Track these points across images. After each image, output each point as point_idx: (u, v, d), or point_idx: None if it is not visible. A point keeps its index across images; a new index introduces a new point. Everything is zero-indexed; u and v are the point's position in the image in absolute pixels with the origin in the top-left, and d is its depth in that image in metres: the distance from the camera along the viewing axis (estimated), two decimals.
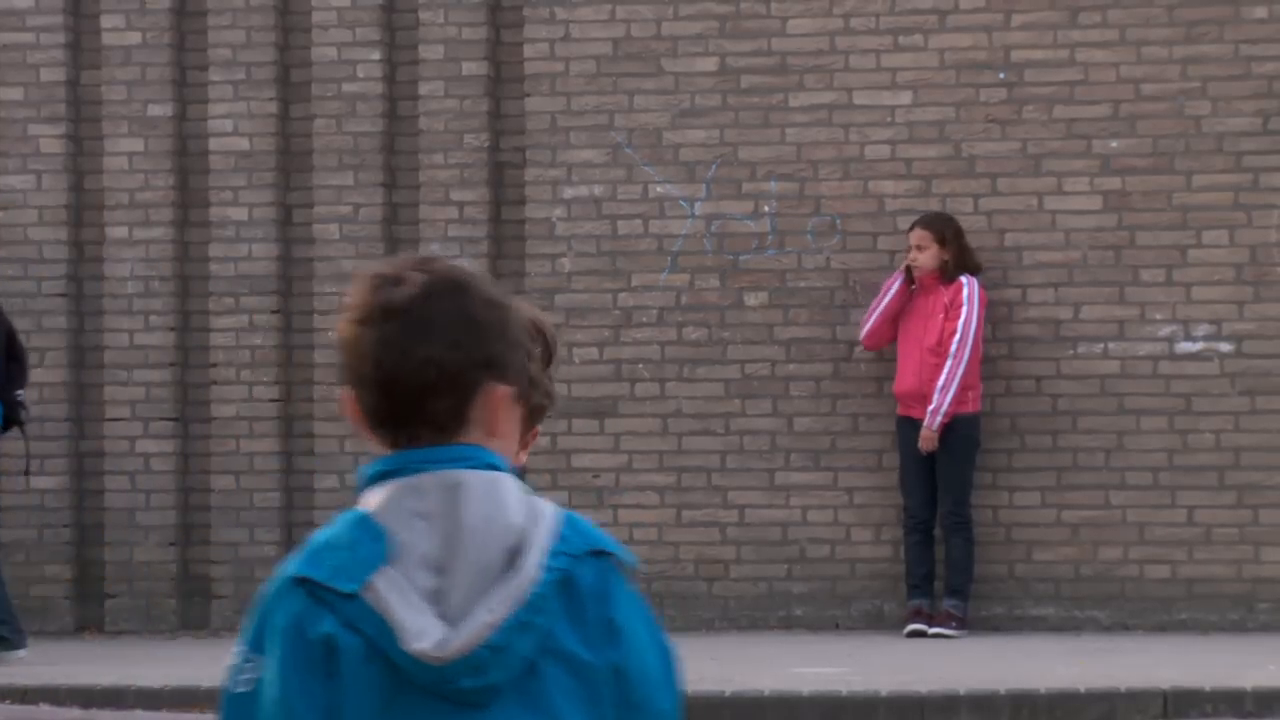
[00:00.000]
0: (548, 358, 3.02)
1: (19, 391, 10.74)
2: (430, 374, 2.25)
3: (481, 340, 2.30)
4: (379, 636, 2.21)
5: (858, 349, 10.46)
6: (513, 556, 2.26)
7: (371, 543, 2.27)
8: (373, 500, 2.27)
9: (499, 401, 2.31)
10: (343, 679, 2.28)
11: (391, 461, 2.29)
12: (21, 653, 10.41)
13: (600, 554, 2.30)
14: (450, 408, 2.29)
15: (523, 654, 2.25)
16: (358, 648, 2.26)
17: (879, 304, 10.27)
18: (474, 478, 2.25)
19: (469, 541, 2.28)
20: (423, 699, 2.30)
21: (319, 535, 2.34)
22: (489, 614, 2.22)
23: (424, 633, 2.21)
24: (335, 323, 2.31)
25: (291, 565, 2.32)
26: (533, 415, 2.80)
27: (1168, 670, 8.99)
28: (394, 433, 2.31)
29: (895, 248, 10.40)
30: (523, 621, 2.24)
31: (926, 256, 9.95)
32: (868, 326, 10.27)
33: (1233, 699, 8.53)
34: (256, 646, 2.28)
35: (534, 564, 2.24)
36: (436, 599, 2.25)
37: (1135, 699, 8.53)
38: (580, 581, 2.28)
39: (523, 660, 2.26)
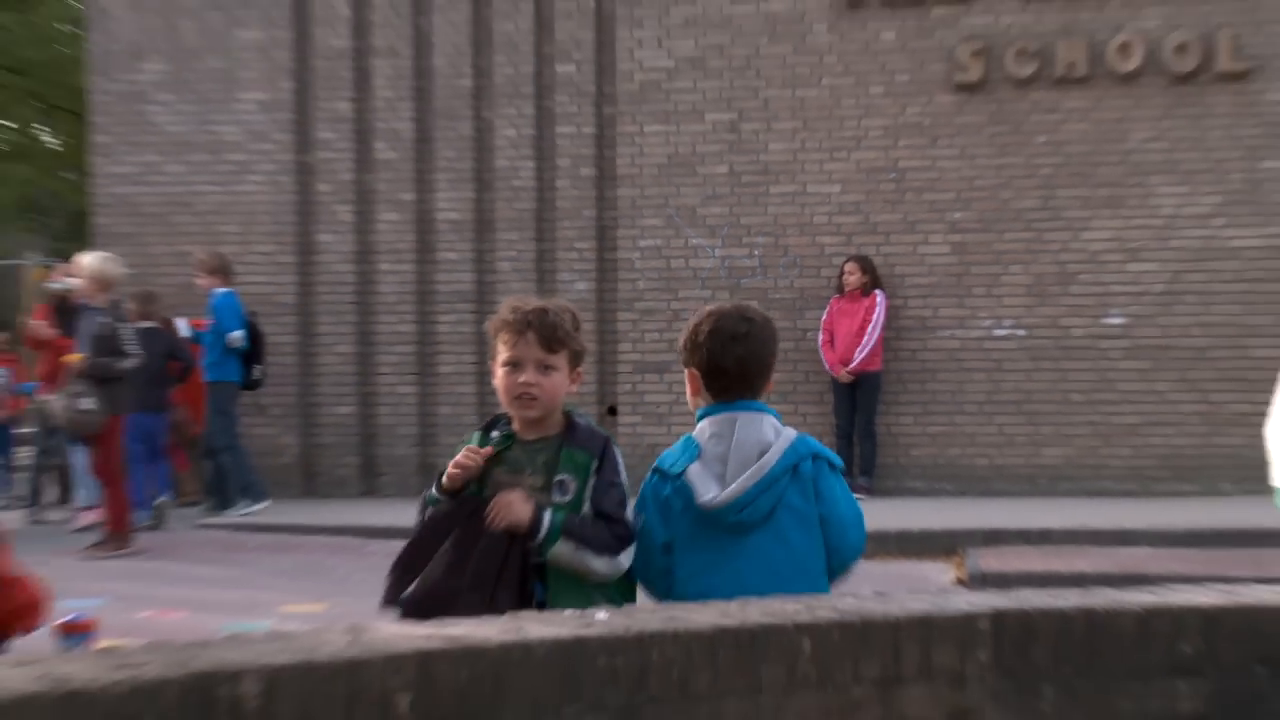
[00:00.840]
0: (577, 327, 3.21)
1: (257, 366, 11.30)
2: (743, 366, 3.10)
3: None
4: (690, 496, 3.07)
5: (810, 333, 11.65)
6: (762, 454, 3.11)
7: (691, 450, 3.15)
8: (701, 427, 3.21)
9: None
10: (673, 518, 3.11)
11: (709, 409, 3.21)
12: (266, 503, 11.00)
13: (817, 457, 3.14)
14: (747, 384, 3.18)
15: (765, 506, 3.05)
16: (680, 503, 3.08)
17: (829, 315, 11.44)
18: (742, 415, 3.15)
19: (736, 448, 3.12)
20: (713, 530, 3.11)
21: (671, 449, 3.15)
22: (739, 484, 3.07)
23: (708, 493, 3.08)
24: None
25: (657, 462, 3.17)
26: (575, 360, 3.17)
27: (988, 517, 10.04)
28: (716, 394, 3.18)
29: (830, 275, 11.60)
30: (762, 488, 3.05)
31: (854, 279, 11.33)
32: (824, 320, 11.53)
33: (1024, 535, 9.50)
34: (640, 505, 3.16)
35: (771, 459, 3.08)
36: (721, 478, 3.11)
37: (969, 535, 9.52)
38: (802, 468, 3.12)
39: (766, 510, 3.05)
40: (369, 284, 12.23)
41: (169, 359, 10.95)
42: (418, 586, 3.03)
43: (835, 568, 3.24)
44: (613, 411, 12.13)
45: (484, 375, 12.03)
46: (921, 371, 11.69)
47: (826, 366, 11.63)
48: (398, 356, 12.28)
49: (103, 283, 9.48)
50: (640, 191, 11.98)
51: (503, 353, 3.19)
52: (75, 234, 25.90)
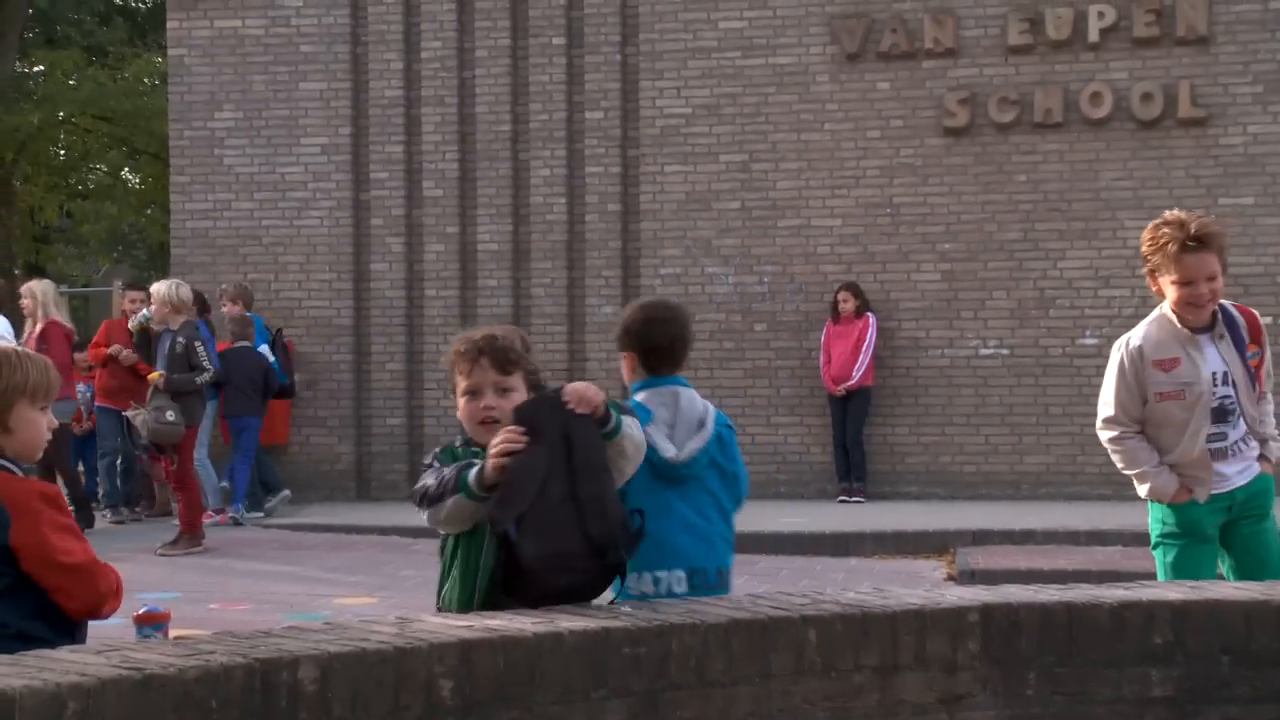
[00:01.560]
0: (527, 348, 3.17)
1: (294, 376, 11.55)
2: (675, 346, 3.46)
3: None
4: (649, 451, 3.20)
5: (813, 353, 11.68)
6: (701, 422, 3.49)
7: (644, 415, 3.34)
8: (641, 397, 3.51)
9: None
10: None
11: (646, 383, 3.53)
12: (286, 493, 11.16)
13: (729, 426, 3.64)
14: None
15: (704, 463, 3.45)
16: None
17: (826, 337, 11.52)
18: (682, 389, 3.52)
19: (682, 416, 3.47)
20: (662, 481, 3.39)
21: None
22: (692, 445, 3.47)
23: (668, 450, 3.41)
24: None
25: None
26: (531, 381, 3.13)
27: (975, 519, 10.06)
28: (651, 370, 3.52)
29: (830, 300, 11.59)
30: (706, 449, 3.46)
31: (848, 306, 11.38)
32: (822, 342, 11.58)
33: (1009, 535, 9.56)
34: None
35: (710, 427, 3.49)
36: (671, 439, 3.45)
37: (959, 535, 9.59)
38: (724, 435, 3.56)
39: (704, 465, 3.45)
40: (417, 308, 12.35)
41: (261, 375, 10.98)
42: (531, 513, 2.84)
43: (733, 509, 3.66)
44: None
45: None
46: (915, 387, 11.73)
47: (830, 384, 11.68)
48: (443, 373, 11.65)
49: (175, 306, 9.57)
50: (661, 225, 12.11)
51: (461, 383, 3.10)
52: (157, 264, 26.19)
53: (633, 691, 2.35)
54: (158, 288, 9.80)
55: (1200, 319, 4.31)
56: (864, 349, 11.46)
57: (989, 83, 11.68)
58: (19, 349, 3.00)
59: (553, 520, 2.72)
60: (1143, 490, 4.41)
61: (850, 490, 11.44)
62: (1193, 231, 4.19)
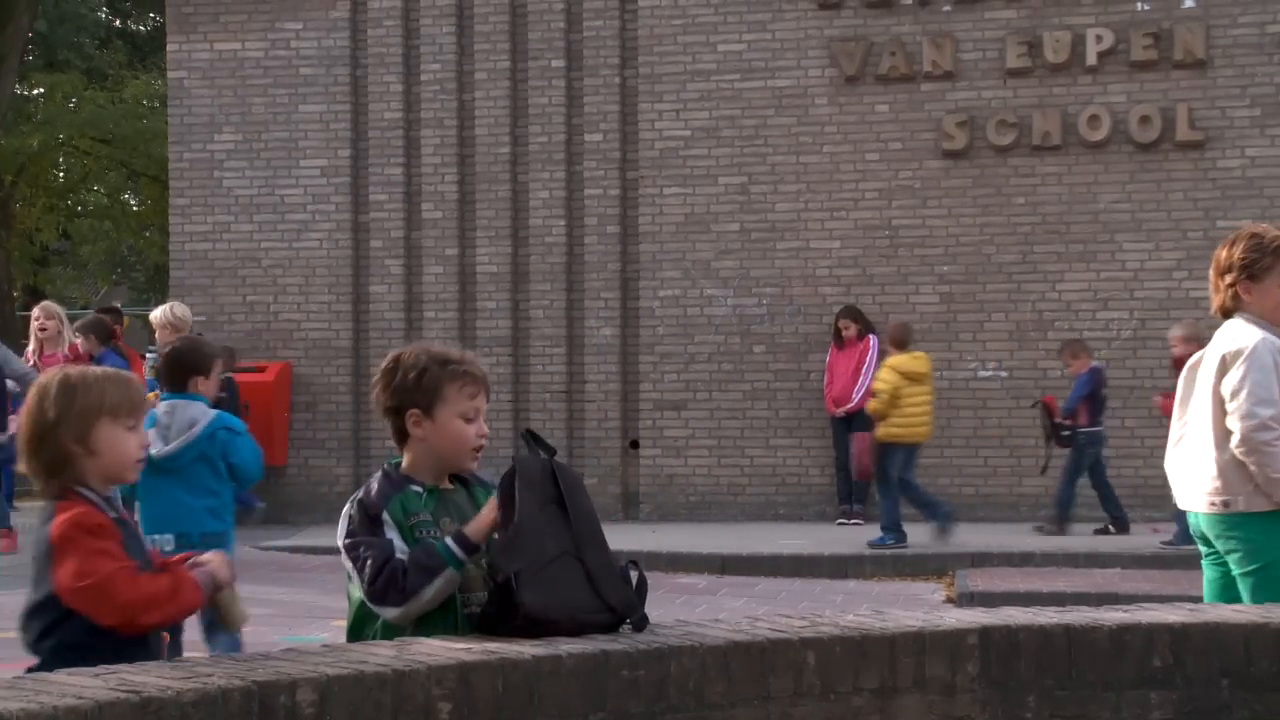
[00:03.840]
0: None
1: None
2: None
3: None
4: (151, 450, 4.41)
5: (814, 374, 11.78)
6: (193, 425, 5.02)
7: (150, 419, 4.60)
8: (160, 408, 4.99)
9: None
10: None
11: (165, 396, 5.06)
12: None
13: (229, 429, 5.01)
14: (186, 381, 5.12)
15: (191, 456, 4.93)
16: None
17: (830, 360, 11.64)
18: (179, 403, 5.02)
19: (176, 420, 5.02)
20: (157, 472, 4.72)
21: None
22: (177, 442, 4.99)
23: (156, 447, 4.84)
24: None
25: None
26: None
27: (975, 541, 10.13)
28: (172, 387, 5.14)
29: (829, 322, 11.71)
30: (191, 446, 4.97)
31: (850, 332, 11.46)
32: (826, 365, 11.66)
33: (1008, 557, 9.67)
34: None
35: (199, 427, 5.02)
36: (165, 438, 4.96)
37: (958, 557, 9.66)
38: (218, 434, 5.02)
39: (191, 458, 4.96)
40: (416, 330, 12.35)
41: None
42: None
43: (243, 483, 5.31)
44: (635, 445, 12.24)
45: (519, 411, 12.20)
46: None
47: (831, 406, 11.76)
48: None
49: (175, 327, 9.55)
50: (660, 247, 12.21)
51: (459, 403, 2.86)
52: (156, 287, 26.22)
53: (631, 714, 2.36)
54: (156, 315, 9.74)
55: None
56: (864, 370, 11.48)
57: (987, 105, 11.77)
58: (101, 368, 2.94)
59: (553, 572, 2.59)
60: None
61: (849, 513, 11.50)
62: None
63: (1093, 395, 10.67)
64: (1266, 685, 2.74)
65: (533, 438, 2.77)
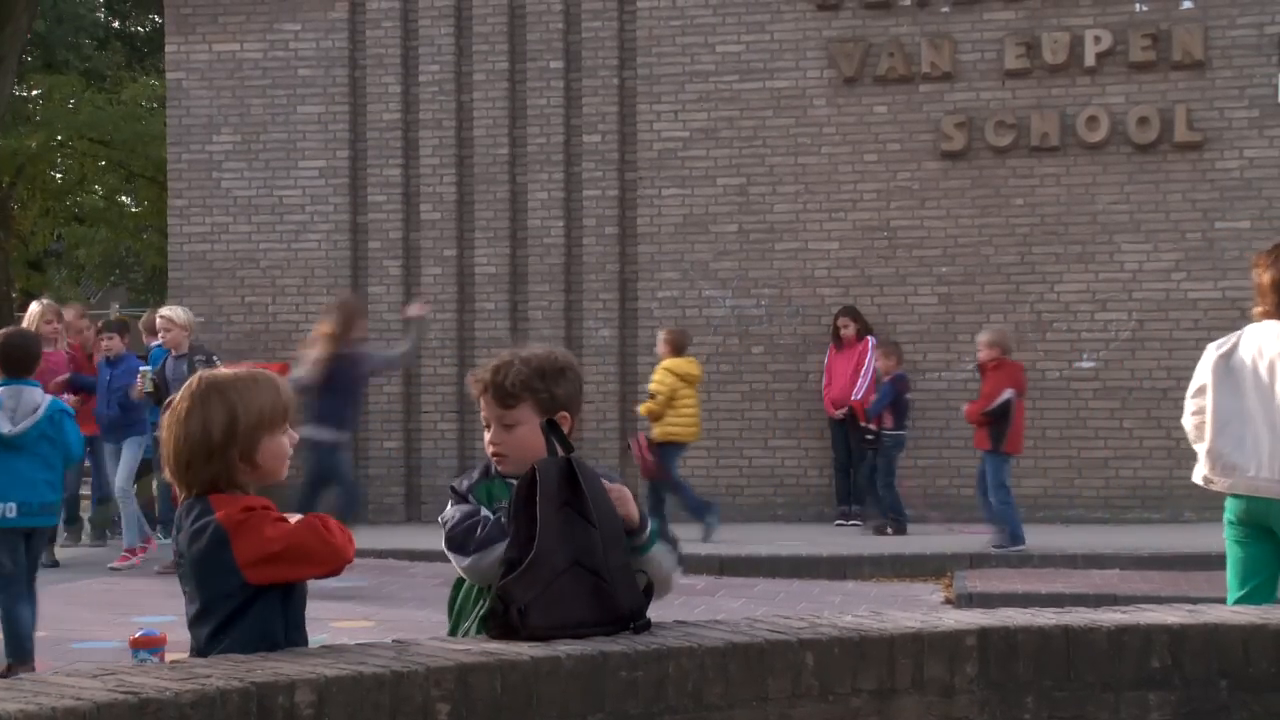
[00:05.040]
0: (543, 375, 2.94)
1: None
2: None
3: None
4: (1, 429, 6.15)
5: (812, 375, 11.76)
6: (35, 410, 6.19)
7: None
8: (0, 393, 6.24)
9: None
10: None
11: (4, 382, 6.20)
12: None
13: (64, 412, 6.23)
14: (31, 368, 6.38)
15: (37, 434, 6.16)
16: None
17: (828, 361, 11.63)
18: (25, 389, 6.16)
19: (20, 403, 6.17)
20: (4, 448, 6.13)
21: None
22: (25, 422, 6.15)
23: (4, 426, 6.15)
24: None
25: None
26: (545, 406, 2.96)
27: (973, 542, 10.19)
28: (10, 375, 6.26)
29: (827, 323, 11.71)
30: (38, 425, 6.16)
31: (849, 331, 11.46)
32: (824, 366, 11.64)
33: (1006, 558, 9.67)
34: None
35: (41, 410, 6.19)
36: (13, 420, 6.14)
37: (956, 558, 9.73)
38: (55, 415, 6.21)
39: (37, 436, 6.17)
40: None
41: None
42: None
43: (60, 465, 6.21)
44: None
45: None
46: (911, 410, 11.56)
47: (829, 407, 11.74)
48: (440, 396, 12.45)
49: (185, 327, 9.57)
50: (659, 248, 12.23)
51: (482, 412, 3.01)
52: (154, 288, 26.20)
53: (630, 716, 2.35)
54: (170, 316, 9.66)
55: None
56: (863, 371, 11.51)
57: (986, 106, 11.78)
58: (250, 371, 2.85)
59: (561, 587, 2.57)
60: None
61: (848, 514, 11.51)
62: None
63: (897, 400, 10.88)
64: (1265, 686, 2.73)
65: (552, 428, 2.77)
